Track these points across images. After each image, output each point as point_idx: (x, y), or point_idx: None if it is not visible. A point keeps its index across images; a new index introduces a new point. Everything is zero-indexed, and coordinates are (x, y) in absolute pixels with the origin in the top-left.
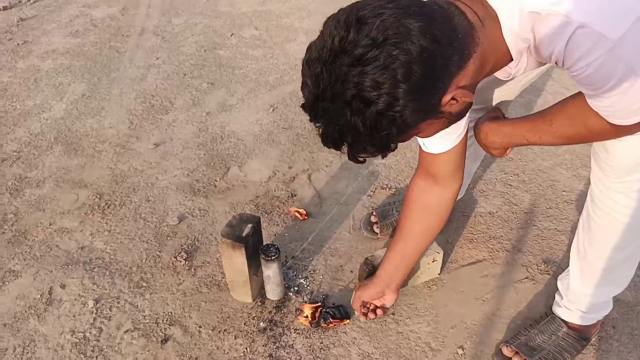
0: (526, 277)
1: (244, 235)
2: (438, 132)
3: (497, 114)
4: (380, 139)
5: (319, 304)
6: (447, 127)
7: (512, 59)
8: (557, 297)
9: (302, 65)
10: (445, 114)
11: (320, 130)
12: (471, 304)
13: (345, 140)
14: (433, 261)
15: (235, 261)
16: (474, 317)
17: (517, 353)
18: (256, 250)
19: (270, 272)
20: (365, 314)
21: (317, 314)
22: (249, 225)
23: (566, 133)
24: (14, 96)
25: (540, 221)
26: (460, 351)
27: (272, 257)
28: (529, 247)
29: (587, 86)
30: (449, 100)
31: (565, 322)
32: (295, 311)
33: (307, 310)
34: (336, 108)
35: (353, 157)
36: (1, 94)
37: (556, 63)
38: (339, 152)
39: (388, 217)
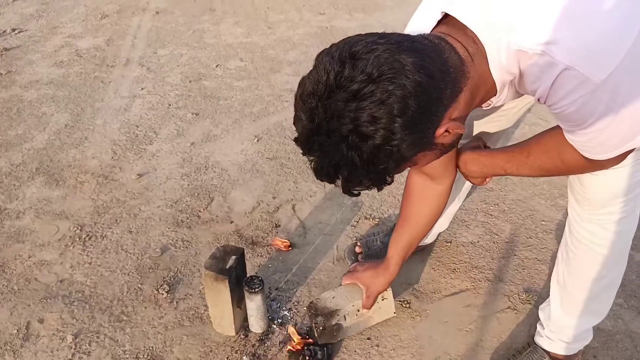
0: (508, 307)
1: (227, 267)
2: (431, 162)
3: (477, 143)
4: (376, 173)
5: (309, 340)
6: (439, 157)
7: (496, 92)
8: (538, 327)
9: (295, 99)
10: (438, 145)
11: (314, 164)
12: (454, 334)
13: (341, 174)
14: (382, 299)
15: (219, 294)
16: (458, 348)
17: None
18: (240, 282)
19: (254, 304)
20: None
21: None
22: (233, 257)
23: (543, 165)
24: None
25: (520, 251)
26: None
27: (256, 289)
28: (510, 276)
29: (567, 122)
30: (443, 132)
31: (548, 353)
32: (282, 341)
33: (295, 338)
34: (332, 143)
35: (348, 190)
36: None
37: (538, 100)
38: (328, 183)
39: (373, 248)
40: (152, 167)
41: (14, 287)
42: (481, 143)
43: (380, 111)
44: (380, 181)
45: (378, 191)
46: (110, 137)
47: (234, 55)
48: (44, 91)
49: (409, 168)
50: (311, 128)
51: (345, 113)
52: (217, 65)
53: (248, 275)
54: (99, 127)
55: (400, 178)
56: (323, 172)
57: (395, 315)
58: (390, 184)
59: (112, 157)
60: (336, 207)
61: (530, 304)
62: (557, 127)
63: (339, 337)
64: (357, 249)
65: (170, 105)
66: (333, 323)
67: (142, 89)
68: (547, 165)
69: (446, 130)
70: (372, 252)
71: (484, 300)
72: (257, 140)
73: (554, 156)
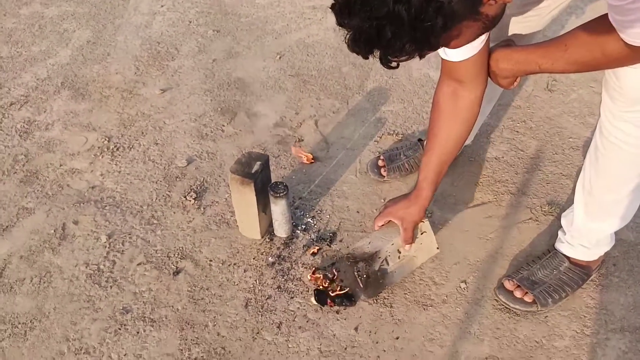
0: (530, 218)
1: (253, 172)
2: (474, 38)
3: (509, 42)
4: (423, 31)
5: (335, 285)
6: (482, 33)
7: None
8: (560, 233)
9: None
10: (482, 16)
11: (352, 32)
12: (475, 242)
13: (384, 35)
14: (421, 233)
15: (244, 197)
16: (477, 255)
17: (518, 287)
18: (265, 188)
19: (279, 208)
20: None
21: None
22: (258, 163)
23: (581, 58)
24: (18, 42)
25: (545, 166)
26: (463, 285)
27: (281, 194)
28: (533, 190)
29: None
30: (489, 0)
31: (567, 258)
32: (305, 245)
33: (318, 277)
34: None
35: (386, 60)
36: (6, 39)
37: None
38: (364, 56)
39: (395, 161)
40: (175, 82)
41: (48, 192)
42: (512, 42)
43: None
44: (423, 43)
45: (420, 58)
46: (132, 53)
47: None
48: (65, 8)
49: (447, 49)
50: None
51: None
52: None
53: (273, 181)
54: (121, 44)
55: (425, 95)
56: (362, 37)
57: (439, 251)
58: (432, 50)
59: (135, 73)
60: (359, 123)
61: (552, 215)
62: (594, 21)
63: (385, 285)
64: (380, 162)
65: (190, 22)
66: (376, 268)
67: (161, 6)
68: (586, 58)
69: None
70: (394, 165)
71: (505, 212)
72: (279, 58)
73: (594, 48)
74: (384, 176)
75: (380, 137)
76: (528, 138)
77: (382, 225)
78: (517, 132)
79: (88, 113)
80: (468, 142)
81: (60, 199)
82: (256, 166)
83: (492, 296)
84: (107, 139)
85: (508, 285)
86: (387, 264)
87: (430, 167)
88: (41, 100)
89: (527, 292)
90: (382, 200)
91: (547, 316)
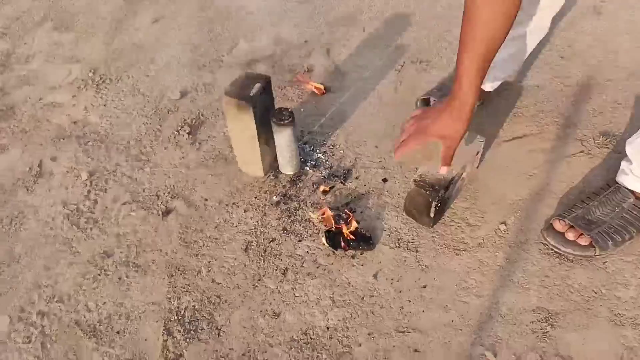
0: (581, 151)
1: (251, 94)
2: None
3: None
4: None
5: (349, 224)
6: None
7: None
8: (623, 164)
9: None
10: None
11: None
12: (515, 179)
13: None
14: (477, 154)
15: (243, 126)
16: (519, 193)
17: (571, 227)
18: (267, 116)
19: (284, 139)
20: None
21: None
22: (258, 84)
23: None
24: None
25: (597, 94)
26: (502, 227)
27: (286, 121)
28: (584, 120)
29: None
30: None
31: (632, 192)
32: (316, 182)
33: (329, 219)
34: None
35: None
36: None
37: None
38: None
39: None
40: (169, 11)
41: (25, 128)
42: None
43: None
44: None
45: None
46: None
47: None
48: None
49: None
50: None
51: None
52: None
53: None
54: None
55: (454, 20)
56: None
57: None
58: None
59: (125, 1)
60: (377, 50)
61: (607, 148)
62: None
63: (444, 212)
64: (433, 103)
65: None
66: (447, 197)
67: None
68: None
69: None
70: None
71: (551, 145)
72: None
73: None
74: None
75: (402, 66)
76: (574, 64)
77: (417, 145)
78: (562, 57)
79: (73, 44)
80: (510, 78)
81: (38, 134)
82: (255, 88)
83: (538, 239)
84: (92, 70)
85: (559, 225)
86: (453, 188)
87: (473, 67)
88: (22, 32)
89: (582, 234)
90: None
91: (606, 262)
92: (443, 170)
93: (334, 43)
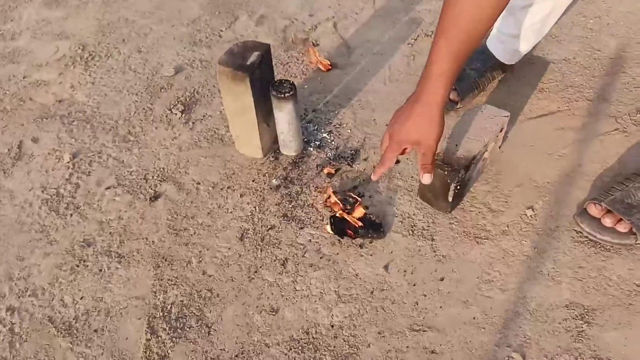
0: (616, 129)
1: (248, 63)
2: None
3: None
4: None
5: (358, 211)
6: None
7: None
8: None
9: None
10: None
11: None
12: (543, 159)
13: None
14: (501, 131)
15: (239, 99)
16: (547, 175)
17: (609, 212)
18: (266, 89)
19: (285, 116)
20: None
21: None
22: (256, 53)
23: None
24: None
25: (631, 67)
26: (529, 212)
27: (287, 95)
28: (617, 96)
29: None
30: None
31: None
32: (320, 164)
33: (335, 204)
34: None
35: None
36: None
37: None
38: None
39: (464, 80)
40: None
41: (7, 107)
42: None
43: None
44: None
45: None
46: None
47: None
48: None
49: None
50: None
51: None
52: None
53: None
54: None
55: None
56: None
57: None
58: None
59: None
60: (388, 24)
61: None
62: None
63: (463, 196)
64: (452, 96)
65: None
66: (467, 178)
67: None
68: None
69: None
70: (465, 85)
71: (582, 122)
72: None
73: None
74: (457, 102)
75: (415, 40)
76: (605, 36)
77: (390, 155)
78: (591, 29)
79: (62, 20)
80: (526, 52)
81: (20, 114)
82: (253, 57)
83: (570, 226)
84: (81, 47)
85: (594, 210)
86: (475, 168)
87: (449, 56)
88: (9, 9)
89: (621, 219)
90: None
91: None
92: (425, 180)
93: (341, 16)
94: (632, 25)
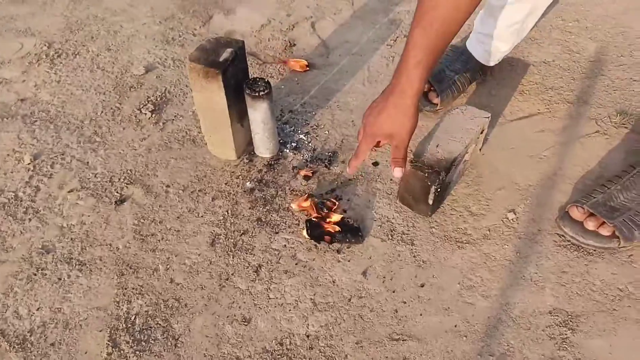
0: (596, 132)
1: (221, 60)
2: None
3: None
4: None
5: (336, 214)
6: None
7: None
8: None
9: None
10: None
11: None
12: (524, 162)
13: None
14: (482, 132)
15: (211, 98)
16: (529, 178)
17: (591, 215)
18: (239, 87)
19: (259, 115)
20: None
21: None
22: (229, 50)
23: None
24: None
25: (610, 70)
26: (511, 215)
27: (262, 93)
28: (597, 98)
29: None
30: None
31: None
32: (296, 167)
33: (311, 209)
34: None
35: None
36: None
37: None
38: None
39: (444, 81)
40: None
41: None
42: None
43: None
44: None
45: None
46: None
47: None
48: None
49: None
50: None
51: None
52: None
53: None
54: None
55: None
56: None
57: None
58: None
59: None
60: (367, 25)
61: (625, 127)
62: None
63: (443, 200)
64: (431, 97)
65: None
66: (448, 181)
67: None
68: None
69: None
70: (444, 86)
71: (562, 125)
72: None
73: None
74: (437, 104)
75: (395, 40)
76: (584, 39)
77: (364, 147)
78: (570, 32)
79: (28, 17)
80: (506, 53)
81: None
82: (226, 53)
83: (553, 229)
84: (47, 44)
85: (576, 213)
86: (454, 171)
87: (425, 47)
88: None
89: (603, 222)
90: None
91: (632, 255)
92: (396, 173)
93: (319, 16)
94: (610, 28)
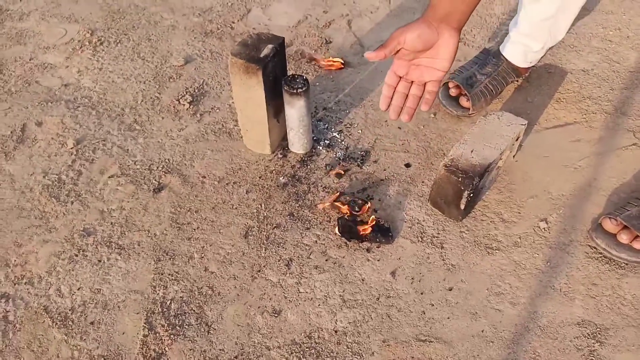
0: (633, 144)
1: (262, 56)
2: None
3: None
4: None
5: (369, 216)
6: None
7: None
8: None
9: None
10: None
11: None
12: (558, 171)
13: None
14: (517, 139)
15: (250, 92)
16: (562, 187)
17: (625, 228)
18: (278, 84)
19: (296, 112)
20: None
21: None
22: (270, 46)
23: None
24: None
25: None
26: (542, 224)
27: (299, 90)
28: (636, 109)
29: None
30: None
31: None
32: (329, 164)
33: (343, 208)
34: None
35: None
36: None
37: None
38: None
39: (476, 85)
40: None
41: (11, 89)
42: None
43: None
44: None
45: None
46: None
47: None
48: None
49: None
50: None
51: None
52: None
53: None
54: None
55: None
56: None
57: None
58: None
59: None
60: (403, 24)
61: None
62: None
63: (475, 205)
64: (453, 90)
65: None
66: (481, 186)
67: None
68: None
69: None
70: (476, 91)
71: (599, 135)
72: None
73: None
74: (468, 108)
75: None
76: (625, 48)
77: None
78: (610, 41)
79: (72, 3)
80: (542, 54)
81: (24, 96)
82: (266, 49)
83: (584, 241)
84: (90, 31)
85: (609, 225)
86: (488, 176)
87: None
88: None
89: (637, 236)
90: (432, 116)
91: None
92: (372, 55)
93: (356, 14)
94: None
